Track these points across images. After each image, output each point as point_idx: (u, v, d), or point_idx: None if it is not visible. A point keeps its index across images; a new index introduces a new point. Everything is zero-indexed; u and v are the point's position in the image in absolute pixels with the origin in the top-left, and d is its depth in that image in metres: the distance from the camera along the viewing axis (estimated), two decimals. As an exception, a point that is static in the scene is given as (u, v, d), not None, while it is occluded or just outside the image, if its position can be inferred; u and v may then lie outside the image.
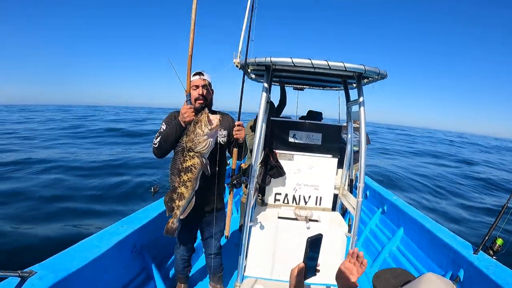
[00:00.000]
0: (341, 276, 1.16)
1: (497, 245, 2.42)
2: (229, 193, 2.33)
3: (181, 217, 1.97)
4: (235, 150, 2.23)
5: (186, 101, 2.03)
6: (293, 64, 2.19)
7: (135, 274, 2.45)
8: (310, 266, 1.13)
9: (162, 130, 2.07)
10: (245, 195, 3.91)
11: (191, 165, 1.84)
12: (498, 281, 2.02)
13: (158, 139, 2.03)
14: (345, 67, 2.17)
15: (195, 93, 2.14)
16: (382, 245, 3.69)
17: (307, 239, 1.09)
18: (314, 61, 2.16)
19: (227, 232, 2.33)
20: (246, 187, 3.82)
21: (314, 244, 1.11)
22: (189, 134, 1.81)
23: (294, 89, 3.69)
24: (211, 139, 1.83)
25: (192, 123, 1.82)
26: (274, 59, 2.20)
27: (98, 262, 1.97)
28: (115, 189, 7.80)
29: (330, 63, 2.17)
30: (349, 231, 2.70)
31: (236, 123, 2.15)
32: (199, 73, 2.19)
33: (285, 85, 3.59)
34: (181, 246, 2.41)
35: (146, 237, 2.55)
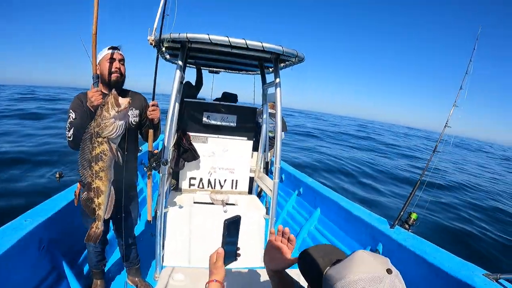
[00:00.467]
0: (275, 257, 1.07)
1: (412, 219, 2.55)
2: (148, 178, 2.18)
3: (106, 216, 1.76)
4: (150, 131, 2.08)
5: (93, 83, 1.83)
6: (209, 41, 2.10)
7: (46, 273, 2.14)
8: (229, 251, 1.04)
9: (72, 119, 1.83)
10: None
11: (101, 152, 1.64)
12: (416, 251, 2.15)
13: (71, 131, 1.80)
14: (263, 46, 2.16)
15: (110, 67, 1.94)
16: (300, 226, 3.83)
17: (224, 222, 0.99)
18: (231, 39, 2.11)
19: (149, 217, 2.19)
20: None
21: (232, 227, 1.02)
22: (96, 118, 1.61)
23: (209, 72, 3.59)
24: (121, 122, 1.65)
25: (100, 106, 1.63)
26: (190, 35, 2.08)
27: (0, 263, 1.67)
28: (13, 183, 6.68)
29: (248, 41, 2.14)
30: (267, 213, 2.75)
31: (151, 103, 2.01)
32: (115, 48, 1.98)
33: (201, 67, 3.48)
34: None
35: (54, 231, 2.22)
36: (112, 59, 1.94)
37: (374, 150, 18.85)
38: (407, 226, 2.54)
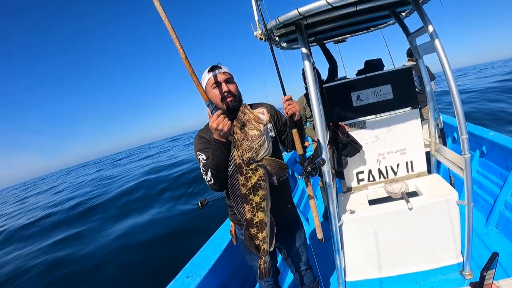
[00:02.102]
0: None
1: None
2: (306, 186, 1.83)
3: (271, 249, 1.55)
4: (294, 131, 1.70)
5: (211, 110, 1.53)
6: (331, 6, 1.58)
7: None
8: None
9: (203, 162, 1.61)
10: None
11: (258, 179, 1.39)
12: None
13: (209, 173, 1.56)
14: None
15: (218, 93, 1.63)
16: (493, 196, 2.99)
17: None
18: None
19: (320, 235, 1.84)
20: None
21: None
22: (241, 144, 1.34)
23: (335, 43, 3.02)
24: (268, 137, 1.38)
25: (237, 130, 1.35)
26: (302, 9, 1.61)
27: None
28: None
29: None
30: (460, 198, 2.09)
31: (284, 98, 1.65)
32: (216, 67, 1.66)
33: (324, 42, 2.94)
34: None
35: (221, 277, 2.13)
36: (217, 83, 1.62)
37: None
38: None
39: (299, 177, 1.83)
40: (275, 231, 1.56)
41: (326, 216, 3.23)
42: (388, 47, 3.34)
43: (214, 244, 2.35)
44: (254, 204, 1.43)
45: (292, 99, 1.64)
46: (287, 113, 1.65)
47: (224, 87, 1.62)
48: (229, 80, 1.66)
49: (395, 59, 3.28)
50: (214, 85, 1.63)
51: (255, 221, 1.47)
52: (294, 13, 1.65)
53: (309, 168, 1.71)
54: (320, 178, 3.42)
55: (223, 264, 2.22)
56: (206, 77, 1.65)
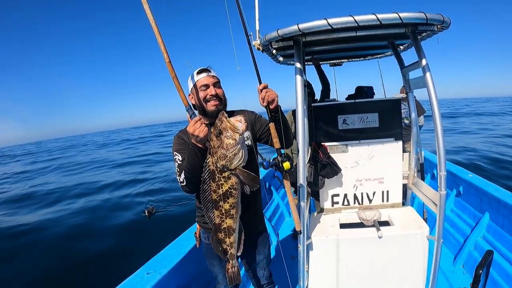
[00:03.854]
0: None
1: None
2: (283, 178, 1.86)
3: (238, 253, 1.59)
4: (271, 125, 1.68)
5: (190, 115, 1.52)
6: (330, 27, 1.59)
7: None
8: None
9: (179, 162, 1.60)
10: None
11: (229, 187, 1.41)
12: None
13: (182, 175, 1.55)
14: (400, 18, 1.56)
15: (204, 95, 1.64)
16: (463, 235, 3.05)
17: None
18: (358, 18, 1.56)
19: (297, 226, 1.87)
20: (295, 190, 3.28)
21: None
22: (216, 151, 1.35)
23: (330, 65, 3.06)
24: (243, 146, 1.39)
25: (213, 137, 1.36)
26: (302, 26, 1.61)
27: None
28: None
29: (379, 15, 1.57)
30: (430, 233, 2.12)
31: (259, 86, 1.62)
32: (205, 70, 1.68)
33: (320, 62, 2.97)
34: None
35: (182, 278, 2.10)
36: (205, 86, 1.63)
37: None
38: None
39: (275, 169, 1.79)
40: (243, 237, 1.58)
41: (295, 236, 3.22)
42: (382, 77, 3.39)
43: (179, 244, 2.33)
44: (223, 211, 1.45)
45: (267, 87, 1.62)
46: (263, 102, 1.62)
47: (212, 91, 1.63)
48: (217, 84, 1.68)
49: (387, 90, 3.33)
50: (203, 87, 1.63)
51: (223, 226, 1.49)
52: (294, 28, 1.66)
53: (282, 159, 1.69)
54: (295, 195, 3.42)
55: (187, 265, 2.19)
56: (195, 78, 1.65)
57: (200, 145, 1.44)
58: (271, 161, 1.82)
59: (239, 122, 1.35)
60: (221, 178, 1.39)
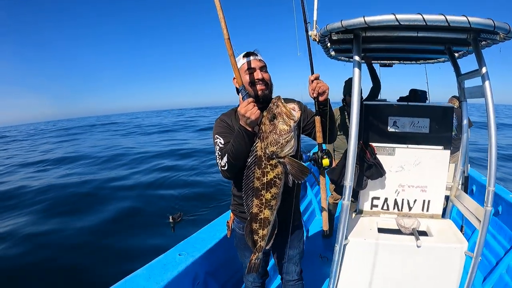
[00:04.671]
0: None
1: None
2: (320, 174, 1.82)
3: (267, 247, 1.55)
4: (317, 119, 1.65)
5: (243, 96, 1.47)
6: (398, 24, 1.54)
7: None
8: None
9: (221, 146, 1.54)
10: (333, 194, 3.34)
11: (275, 176, 1.35)
12: None
13: (225, 158, 1.49)
14: (469, 22, 1.50)
15: (251, 78, 1.59)
16: (497, 257, 2.93)
17: None
18: (427, 17, 1.51)
19: (325, 226, 1.92)
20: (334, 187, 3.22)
21: None
22: (267, 136, 1.29)
23: (381, 65, 2.98)
24: (295, 135, 1.34)
25: (266, 121, 1.30)
26: (369, 19, 1.56)
27: None
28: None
29: (449, 17, 1.51)
30: (469, 249, 2.05)
31: (311, 76, 1.59)
32: (252, 53, 1.63)
33: (372, 61, 2.90)
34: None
35: (210, 264, 2.07)
36: (251, 69, 1.58)
37: None
38: None
39: (313, 164, 1.79)
40: (275, 232, 1.53)
41: (327, 235, 3.16)
42: (428, 83, 3.29)
43: (213, 229, 2.31)
44: (264, 201, 1.40)
45: (318, 78, 1.59)
46: (313, 93, 1.59)
47: (258, 74, 1.59)
48: (264, 68, 1.63)
49: (431, 99, 3.24)
50: (248, 70, 1.59)
51: (260, 217, 1.44)
52: (359, 20, 1.61)
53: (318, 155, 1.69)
54: (330, 193, 3.37)
55: (217, 251, 2.17)
56: (240, 62, 1.61)
57: (249, 128, 1.38)
58: (311, 155, 1.79)
59: (293, 110, 1.30)
60: (268, 166, 1.34)
